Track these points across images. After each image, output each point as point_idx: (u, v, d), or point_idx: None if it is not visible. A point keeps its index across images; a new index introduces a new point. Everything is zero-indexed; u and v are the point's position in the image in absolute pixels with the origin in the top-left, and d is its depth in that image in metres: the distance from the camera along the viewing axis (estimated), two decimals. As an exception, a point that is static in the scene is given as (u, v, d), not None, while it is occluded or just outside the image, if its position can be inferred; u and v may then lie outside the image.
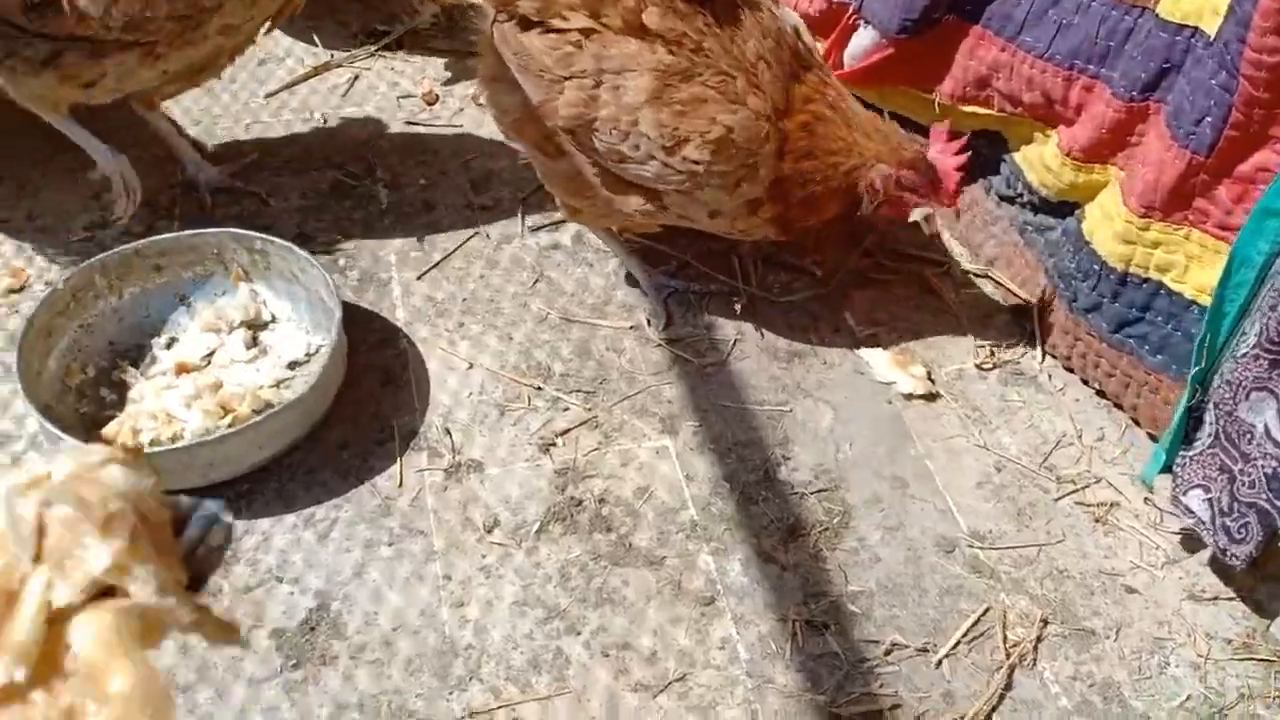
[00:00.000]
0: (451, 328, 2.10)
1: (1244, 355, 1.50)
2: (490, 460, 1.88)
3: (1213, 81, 1.58)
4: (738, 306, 2.14)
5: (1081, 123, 1.92)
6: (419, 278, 2.20)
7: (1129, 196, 1.76)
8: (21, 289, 2.12)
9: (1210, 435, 1.61)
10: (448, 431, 1.92)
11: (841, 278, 2.23)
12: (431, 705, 1.57)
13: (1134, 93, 1.79)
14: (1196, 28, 1.67)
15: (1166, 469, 1.72)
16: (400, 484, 1.83)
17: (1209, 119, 1.59)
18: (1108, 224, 1.83)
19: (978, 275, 2.23)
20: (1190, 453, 1.65)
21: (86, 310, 1.97)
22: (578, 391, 1.99)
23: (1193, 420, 1.64)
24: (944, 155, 1.88)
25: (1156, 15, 1.75)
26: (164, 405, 1.86)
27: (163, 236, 2.06)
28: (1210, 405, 1.60)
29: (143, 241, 2.02)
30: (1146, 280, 1.80)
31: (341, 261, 2.21)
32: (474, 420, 1.94)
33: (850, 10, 2.24)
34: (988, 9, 2.01)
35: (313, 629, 1.65)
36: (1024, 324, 2.12)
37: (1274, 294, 1.44)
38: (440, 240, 2.28)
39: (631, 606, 1.69)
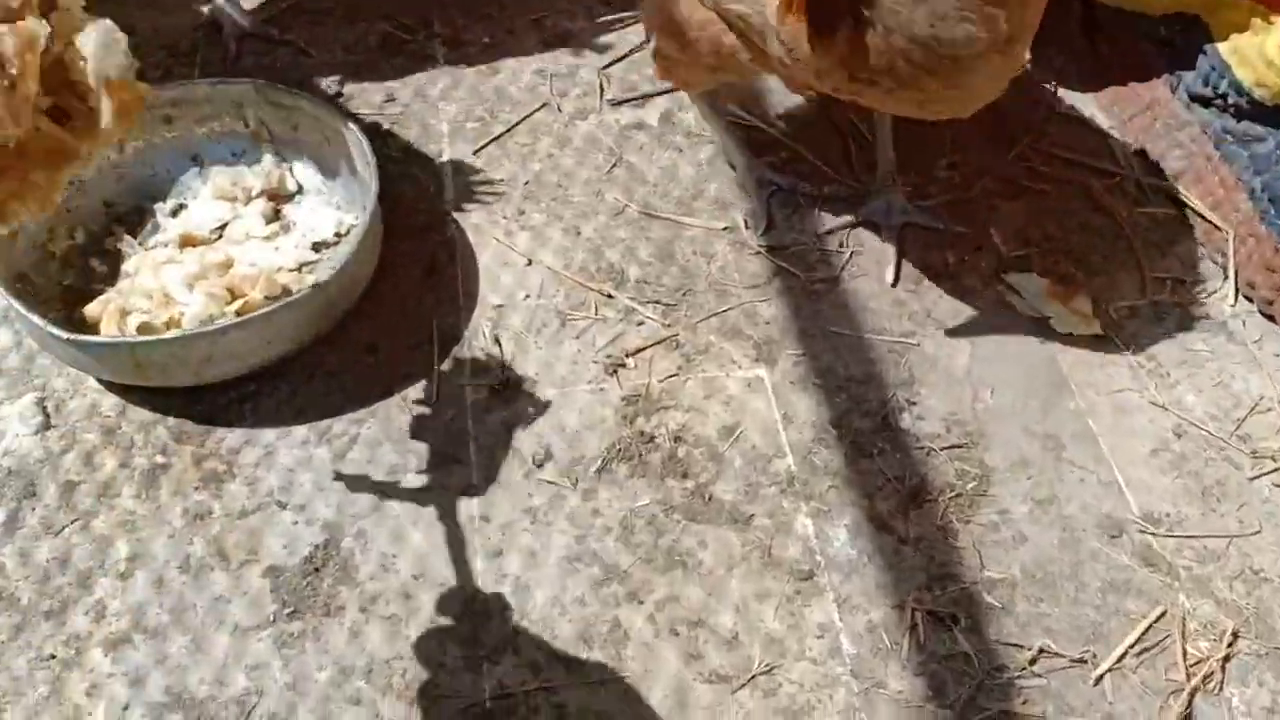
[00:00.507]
0: (510, 215, 1.75)
1: None
2: (546, 379, 1.54)
3: None
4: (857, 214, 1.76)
5: (1332, 0, 1.48)
6: (475, 152, 1.84)
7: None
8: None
9: None
10: (497, 340, 1.58)
11: (986, 184, 1.82)
12: (455, 679, 1.26)
13: None
14: None
15: None
16: (435, 398, 1.51)
17: None
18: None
19: (1158, 191, 1.81)
20: None
21: (80, 164, 1.64)
22: (655, 303, 1.64)
23: None
24: None
25: None
26: (162, 283, 1.54)
27: (176, 84, 1.73)
28: None
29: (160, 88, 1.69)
30: None
31: (385, 127, 1.86)
32: (529, 329, 1.60)
33: None
34: None
35: (317, 570, 1.34)
36: (1215, 256, 1.70)
37: None
38: (503, 111, 1.92)
39: (709, 574, 1.35)
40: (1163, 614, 1.32)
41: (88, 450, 1.44)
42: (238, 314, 1.49)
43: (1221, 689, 1.27)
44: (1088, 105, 1.95)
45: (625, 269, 1.68)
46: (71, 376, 1.50)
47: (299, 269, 1.62)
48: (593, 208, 1.76)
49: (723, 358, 1.57)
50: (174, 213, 1.68)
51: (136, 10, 2.02)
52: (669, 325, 1.61)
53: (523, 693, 1.25)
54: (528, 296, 1.64)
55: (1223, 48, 1.71)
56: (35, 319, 1.37)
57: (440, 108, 1.91)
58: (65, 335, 1.37)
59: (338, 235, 1.66)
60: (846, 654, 1.29)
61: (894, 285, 1.66)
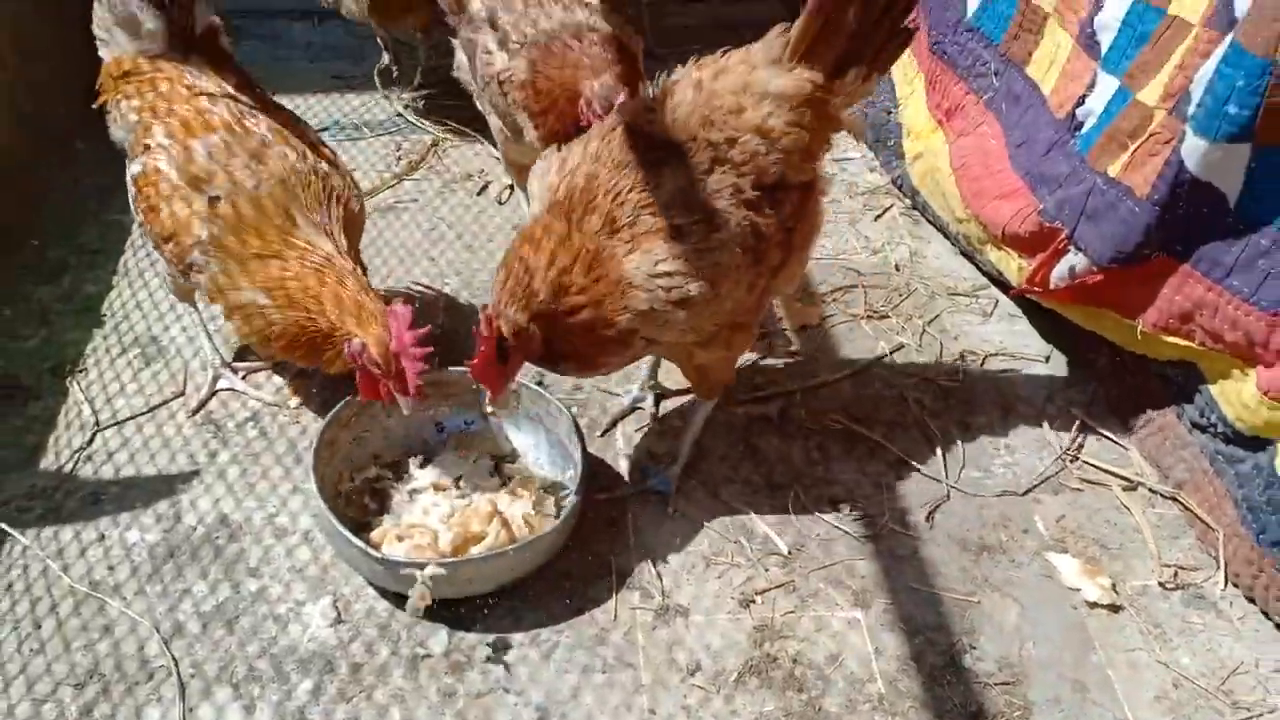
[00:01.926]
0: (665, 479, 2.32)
1: None
2: (695, 607, 2.06)
3: None
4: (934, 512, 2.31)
5: (1279, 365, 2.05)
6: (638, 431, 2.44)
7: (1328, 443, 1.87)
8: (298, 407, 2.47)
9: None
10: (659, 575, 2.12)
11: (1034, 482, 2.36)
12: (632, 828, 1.72)
13: (1337, 347, 1.92)
14: (1404, 298, 1.81)
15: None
16: (615, 618, 2.03)
17: None
18: (1305, 466, 1.93)
19: (1166, 496, 2.33)
20: (1383, 700, 1.70)
21: (362, 425, 2.28)
22: (777, 555, 2.17)
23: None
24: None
25: (1362, 279, 1.89)
26: (424, 519, 2.12)
27: (435, 372, 2.37)
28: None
29: (415, 373, 2.34)
30: (1341, 525, 1.88)
31: (574, 409, 2.48)
32: (682, 568, 2.14)
33: (1063, 235, 2.44)
34: (1198, 250, 2.17)
35: (531, 740, 1.84)
36: (1210, 550, 2.20)
37: None
38: (664, 400, 2.53)
39: (819, 766, 1.82)
40: (1165, 823, 1.75)
41: (369, 641, 1.98)
42: (475, 548, 2.05)
43: None
44: (1114, 426, 2.50)
45: (754, 527, 2.22)
46: (356, 584, 2.07)
47: (518, 516, 2.18)
48: (730, 477, 2.33)
49: (829, 601, 2.09)
50: (422, 465, 2.28)
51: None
52: (788, 572, 2.13)
53: (682, 843, 1.70)
54: (680, 543, 2.19)
55: (1213, 389, 2.27)
56: (356, 540, 1.95)
57: (613, 394, 2.53)
58: (378, 555, 1.94)
59: (545, 490, 2.24)
60: (923, 834, 1.73)
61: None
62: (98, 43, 2.43)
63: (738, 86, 1.94)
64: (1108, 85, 2.47)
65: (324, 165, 2.28)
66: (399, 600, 2.03)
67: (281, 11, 4.08)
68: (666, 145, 1.94)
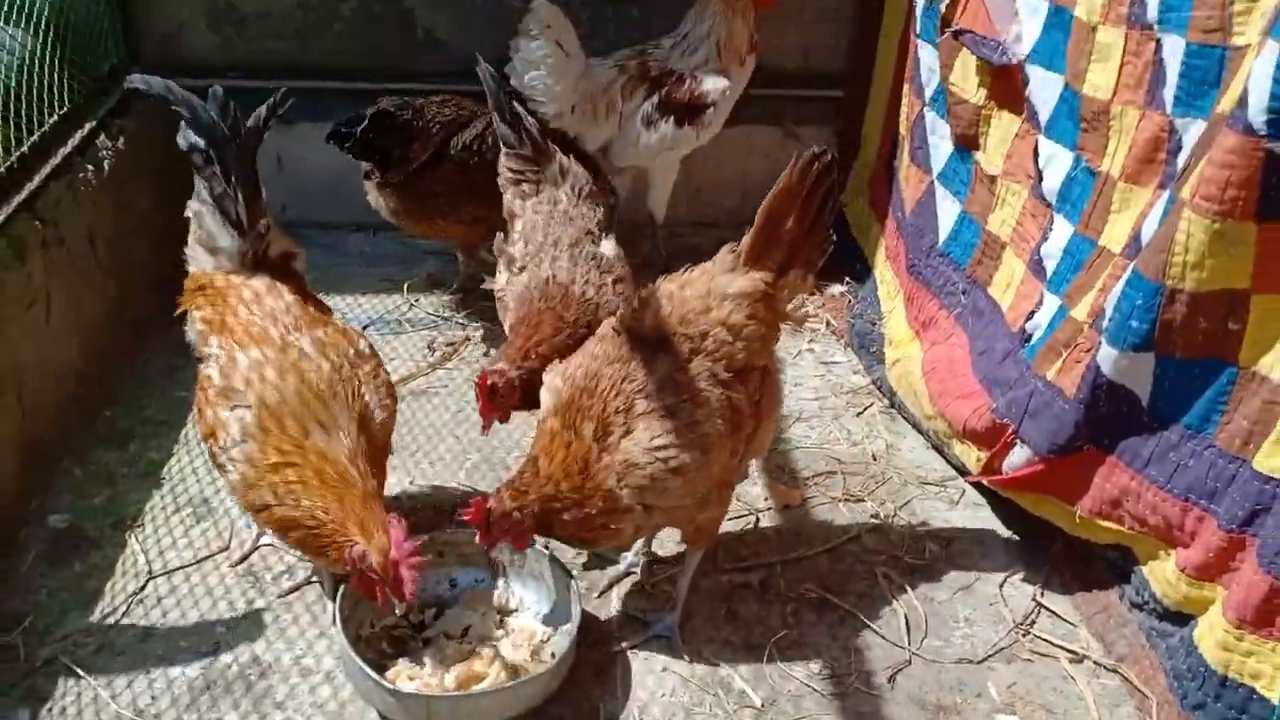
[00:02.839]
0: (653, 638, 2.57)
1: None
2: (675, 752, 2.28)
3: (1291, 526, 1.99)
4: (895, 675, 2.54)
5: (1195, 546, 2.32)
6: (633, 594, 2.71)
7: (1227, 609, 2.12)
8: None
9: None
10: (642, 723, 2.35)
11: (989, 653, 2.59)
12: None
13: (1234, 526, 2.20)
14: (1281, 482, 2.11)
15: None
16: (599, 757, 2.26)
17: (1289, 556, 1.99)
18: (1211, 633, 2.17)
19: (1108, 668, 2.54)
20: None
21: (384, 579, 2.57)
22: (751, 707, 2.39)
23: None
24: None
25: (1252, 466, 2.19)
26: (431, 662, 2.38)
27: (449, 532, 2.68)
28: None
29: (436, 532, 2.65)
30: (1242, 685, 2.11)
31: (575, 571, 2.76)
32: (664, 715, 2.37)
33: (1010, 430, 2.77)
34: (1121, 443, 2.49)
35: None
36: (1146, 716, 2.40)
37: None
38: (653, 567, 2.81)
39: None
40: None
41: (376, 766, 2.21)
42: (477, 690, 2.30)
43: None
44: (1064, 604, 2.74)
45: (731, 682, 2.46)
46: (370, 718, 2.31)
47: (517, 664, 2.44)
48: (711, 637, 2.58)
49: (795, 751, 2.30)
50: (435, 616, 2.55)
51: (424, 474, 3.06)
52: (759, 724, 2.36)
53: None
54: (664, 694, 2.42)
55: (1145, 569, 2.53)
56: (371, 673, 2.21)
57: (609, 562, 2.81)
58: (390, 686, 2.19)
59: (543, 641, 2.50)
60: None
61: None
62: (186, 258, 2.74)
63: (703, 291, 2.39)
64: (1051, 304, 2.86)
65: (360, 377, 2.48)
66: (407, 733, 2.27)
67: (341, 225, 4.62)
68: (653, 341, 2.35)
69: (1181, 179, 2.30)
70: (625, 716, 2.36)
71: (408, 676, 2.32)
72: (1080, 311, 2.66)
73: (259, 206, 2.63)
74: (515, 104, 3.18)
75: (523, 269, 2.97)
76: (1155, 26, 2.46)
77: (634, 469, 2.25)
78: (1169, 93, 2.44)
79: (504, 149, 3.17)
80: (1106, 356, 2.42)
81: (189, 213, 2.69)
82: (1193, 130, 2.38)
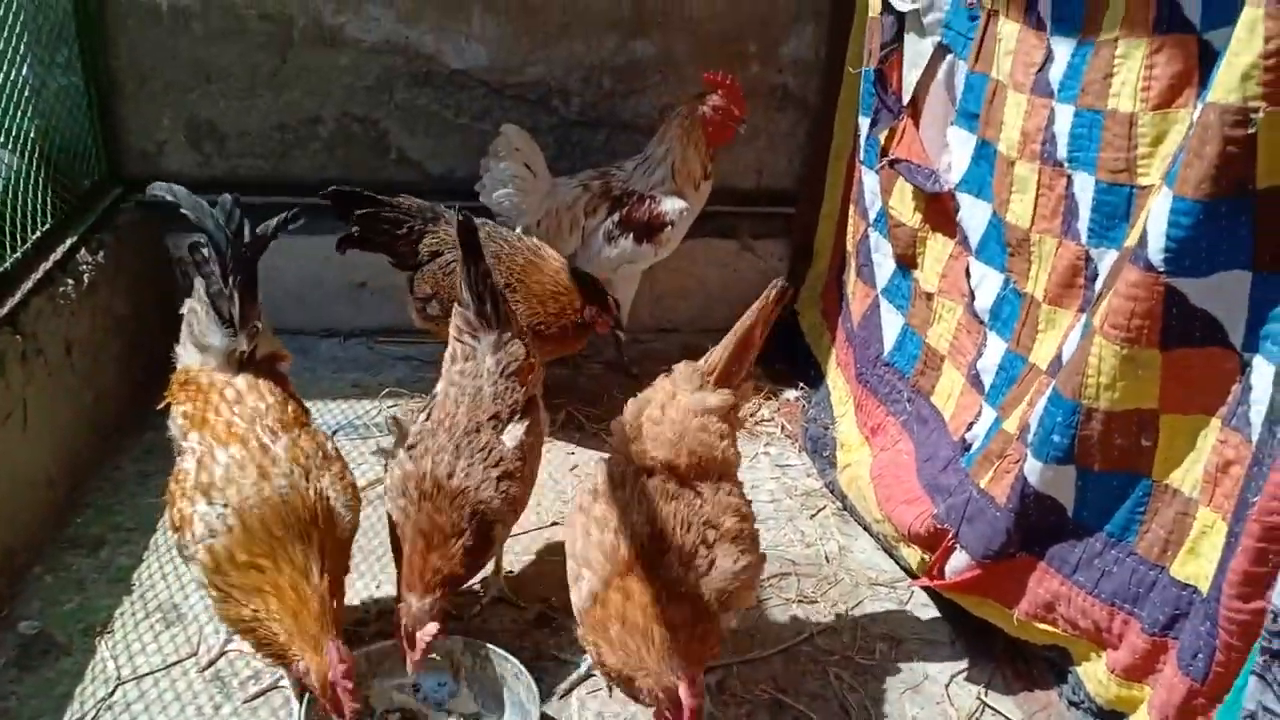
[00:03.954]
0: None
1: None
2: None
3: (1203, 629, 2.14)
4: (843, 759, 2.64)
5: (1122, 648, 2.46)
6: (593, 695, 2.80)
7: (1152, 709, 2.26)
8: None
9: None
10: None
11: (933, 749, 2.70)
12: None
13: (1156, 630, 2.35)
14: (1195, 587, 2.27)
15: None
16: None
17: (1201, 656, 2.14)
18: (1140, 730, 2.31)
19: (1049, 765, 2.66)
20: None
21: (349, 684, 2.64)
22: (705, 807, 2.48)
23: None
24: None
25: (1170, 573, 2.35)
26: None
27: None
28: None
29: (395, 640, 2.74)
30: (1172, 780, 2.23)
31: (533, 674, 2.85)
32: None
33: (950, 535, 2.93)
34: (1050, 550, 2.65)
35: None
36: (1086, 812, 2.52)
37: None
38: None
39: None
40: None
41: None
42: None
43: None
44: (1006, 703, 2.87)
45: (686, 784, 2.54)
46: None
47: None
48: None
49: None
50: (400, 720, 2.63)
51: (388, 580, 3.15)
52: (713, 825, 2.44)
53: None
54: (621, 796, 2.50)
55: (1079, 669, 2.66)
56: (335, 777, 2.28)
57: (570, 664, 2.90)
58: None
59: (504, 744, 2.58)
60: None
61: None
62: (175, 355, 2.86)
63: (688, 409, 2.64)
64: (989, 415, 3.05)
65: (326, 483, 2.58)
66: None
67: (313, 331, 4.76)
68: (654, 470, 2.60)
69: (1095, 305, 2.51)
70: (584, 816, 2.44)
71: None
72: (1011, 424, 2.84)
73: (254, 308, 2.77)
74: (485, 273, 3.03)
75: (410, 450, 2.85)
76: (1066, 164, 2.70)
77: (730, 594, 2.46)
78: (1083, 225, 2.67)
79: (457, 304, 3.06)
80: (1033, 469, 2.59)
81: (184, 309, 2.84)
82: (1107, 259, 2.60)
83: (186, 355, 2.85)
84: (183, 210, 2.79)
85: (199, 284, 2.79)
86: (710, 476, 2.63)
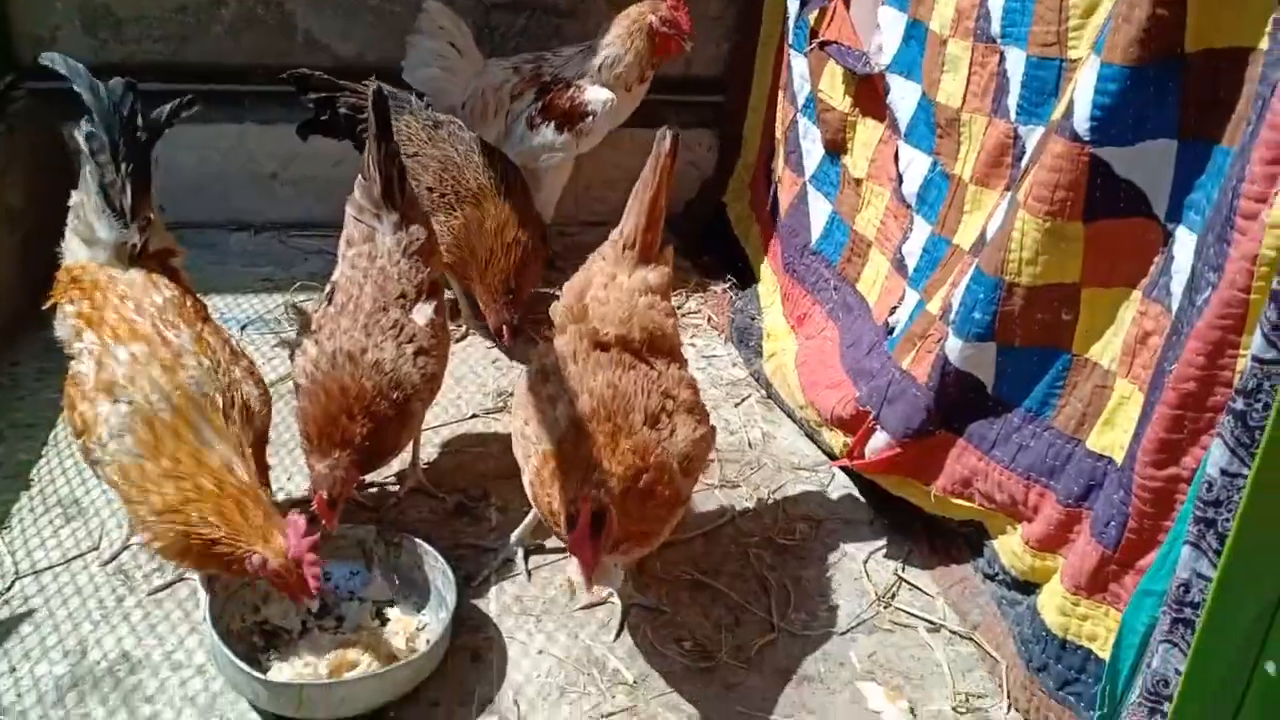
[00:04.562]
0: (531, 623, 2.63)
1: (1132, 703, 1.95)
2: (549, 730, 2.35)
3: (1116, 497, 2.16)
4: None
5: (1037, 520, 2.49)
6: (511, 581, 2.77)
7: (1065, 577, 2.29)
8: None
9: (1115, 770, 2.01)
10: (516, 703, 2.40)
11: (853, 624, 2.72)
12: None
13: (1070, 501, 2.37)
14: (1110, 458, 2.28)
15: (1085, 797, 2.10)
16: (475, 737, 2.31)
17: (1114, 523, 2.15)
18: (1051, 599, 2.34)
19: (964, 636, 2.70)
20: (1101, 784, 2.04)
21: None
22: (624, 684, 2.47)
23: (1103, 758, 2.06)
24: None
25: (1086, 445, 2.37)
26: (305, 652, 2.40)
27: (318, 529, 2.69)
28: (1115, 745, 2.03)
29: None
30: (1080, 647, 2.27)
31: (452, 563, 2.79)
32: (539, 695, 2.43)
33: (871, 416, 2.92)
34: (969, 427, 2.65)
35: (392, 840, 2.07)
36: (996, 679, 2.56)
37: (1151, 656, 1.92)
38: (531, 557, 2.87)
39: None
40: None
41: (251, 755, 2.22)
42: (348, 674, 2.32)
43: None
44: (923, 578, 2.90)
45: (606, 662, 2.53)
46: (242, 709, 2.31)
47: (395, 651, 2.46)
48: (586, 621, 2.65)
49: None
50: (310, 610, 2.56)
51: (299, 474, 3.06)
52: (632, 700, 2.43)
53: None
54: (539, 675, 2.48)
55: (995, 543, 2.69)
56: (243, 665, 2.22)
57: (492, 551, 2.86)
58: (261, 677, 2.20)
59: (419, 629, 2.53)
60: None
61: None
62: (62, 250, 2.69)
63: (632, 289, 2.62)
64: (911, 299, 3.02)
65: (238, 375, 2.48)
66: (282, 723, 2.28)
67: (222, 224, 4.56)
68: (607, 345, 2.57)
69: (1019, 182, 2.47)
70: (500, 699, 2.41)
71: (281, 667, 2.33)
72: (934, 305, 2.82)
73: (146, 200, 2.61)
74: (394, 152, 2.86)
75: (315, 336, 2.72)
76: (999, 40, 2.64)
77: (690, 460, 2.47)
78: (1012, 101, 2.62)
79: (359, 178, 2.88)
80: (953, 347, 2.58)
81: (71, 203, 2.65)
82: (1034, 137, 2.56)
83: (73, 251, 2.67)
84: (74, 88, 2.59)
85: (87, 173, 2.60)
86: (662, 353, 2.62)
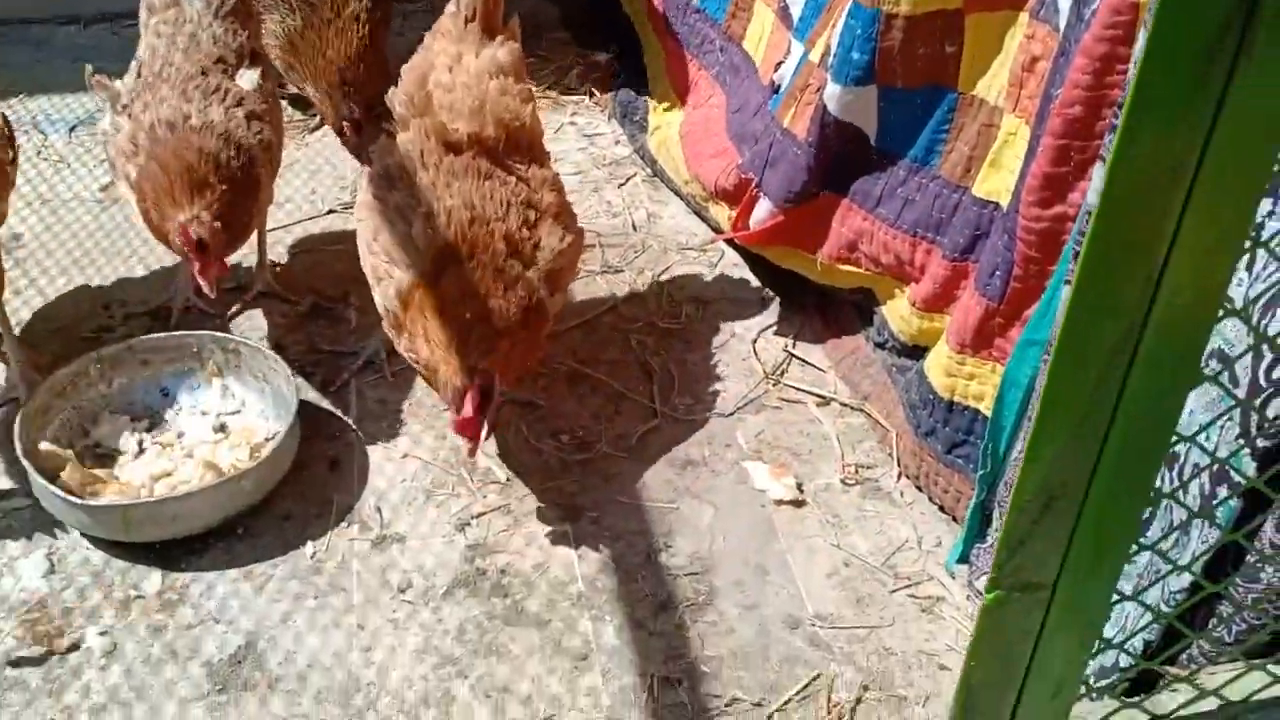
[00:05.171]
0: (394, 425, 2.45)
1: (1015, 460, 1.84)
2: (412, 534, 2.20)
3: (1000, 244, 1.98)
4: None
5: (924, 279, 2.32)
6: (372, 385, 2.56)
7: (950, 336, 2.14)
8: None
9: (996, 530, 1.92)
10: (379, 510, 2.24)
11: (739, 404, 2.58)
12: (333, 729, 1.84)
13: (956, 254, 2.19)
14: (996, 203, 2.09)
15: (964, 559, 2.02)
16: (329, 548, 2.15)
17: (999, 273, 1.99)
18: (937, 360, 2.20)
19: (854, 408, 2.58)
20: (983, 545, 1.96)
21: (81, 394, 2.33)
22: (496, 483, 2.32)
23: (984, 517, 1.96)
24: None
25: (972, 192, 2.17)
26: (142, 473, 2.19)
27: (153, 335, 2.45)
28: (996, 505, 1.93)
29: (136, 339, 2.41)
30: (967, 407, 2.15)
31: (308, 369, 2.58)
32: (403, 501, 2.27)
33: (754, 184, 2.69)
34: (853, 185, 2.44)
35: (239, 662, 1.94)
36: (887, 448, 2.46)
37: (1033, 409, 1.79)
38: (391, 358, 2.65)
39: (516, 659, 1.97)
40: (818, 676, 1.97)
41: (81, 587, 2.04)
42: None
43: (854, 722, 1.90)
44: (814, 353, 2.75)
45: (476, 461, 2.37)
46: (72, 538, 2.12)
47: (238, 464, 2.28)
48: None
49: (541, 518, 2.25)
50: (148, 429, 2.35)
51: (130, 286, 2.78)
52: (504, 497, 2.29)
53: (379, 736, 1.83)
54: (404, 480, 2.32)
55: (884, 309, 2.54)
56: (59, 492, 2.01)
57: (350, 354, 2.64)
58: (78, 501, 2.00)
59: (267, 439, 2.33)
60: (604, 705, 1.90)
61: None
62: None
63: (481, 72, 2.33)
64: (797, 51, 2.73)
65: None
66: (116, 549, 2.09)
67: (48, 18, 4.05)
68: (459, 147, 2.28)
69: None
70: (360, 506, 2.25)
71: (108, 489, 2.13)
72: (815, 54, 2.54)
73: None
74: None
75: (127, 109, 2.43)
76: None
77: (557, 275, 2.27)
78: None
79: None
80: (832, 94, 2.33)
81: None
82: None
83: None
84: None
85: None
86: (521, 150, 2.36)
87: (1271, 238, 1.32)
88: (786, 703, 1.91)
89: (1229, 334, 1.51)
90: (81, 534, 2.12)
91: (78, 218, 3.07)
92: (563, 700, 1.90)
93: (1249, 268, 1.46)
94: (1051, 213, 1.85)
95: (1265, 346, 1.39)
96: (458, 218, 2.16)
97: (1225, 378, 1.47)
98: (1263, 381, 1.45)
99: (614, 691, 1.92)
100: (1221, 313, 0.98)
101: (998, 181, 2.10)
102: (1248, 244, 0.94)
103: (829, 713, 1.90)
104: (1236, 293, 1.46)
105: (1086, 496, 1.06)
